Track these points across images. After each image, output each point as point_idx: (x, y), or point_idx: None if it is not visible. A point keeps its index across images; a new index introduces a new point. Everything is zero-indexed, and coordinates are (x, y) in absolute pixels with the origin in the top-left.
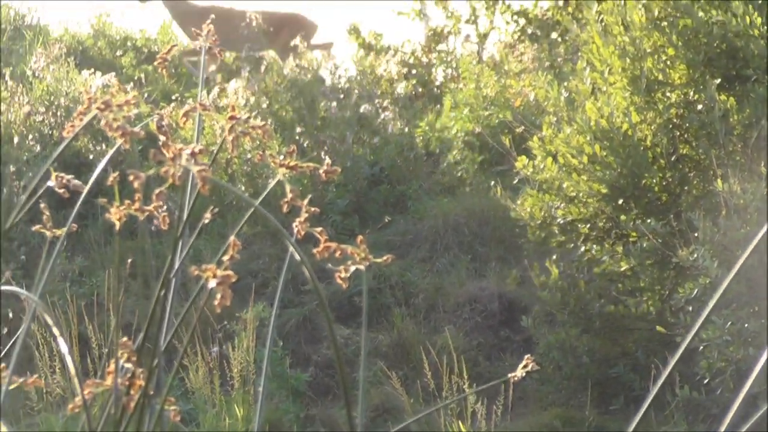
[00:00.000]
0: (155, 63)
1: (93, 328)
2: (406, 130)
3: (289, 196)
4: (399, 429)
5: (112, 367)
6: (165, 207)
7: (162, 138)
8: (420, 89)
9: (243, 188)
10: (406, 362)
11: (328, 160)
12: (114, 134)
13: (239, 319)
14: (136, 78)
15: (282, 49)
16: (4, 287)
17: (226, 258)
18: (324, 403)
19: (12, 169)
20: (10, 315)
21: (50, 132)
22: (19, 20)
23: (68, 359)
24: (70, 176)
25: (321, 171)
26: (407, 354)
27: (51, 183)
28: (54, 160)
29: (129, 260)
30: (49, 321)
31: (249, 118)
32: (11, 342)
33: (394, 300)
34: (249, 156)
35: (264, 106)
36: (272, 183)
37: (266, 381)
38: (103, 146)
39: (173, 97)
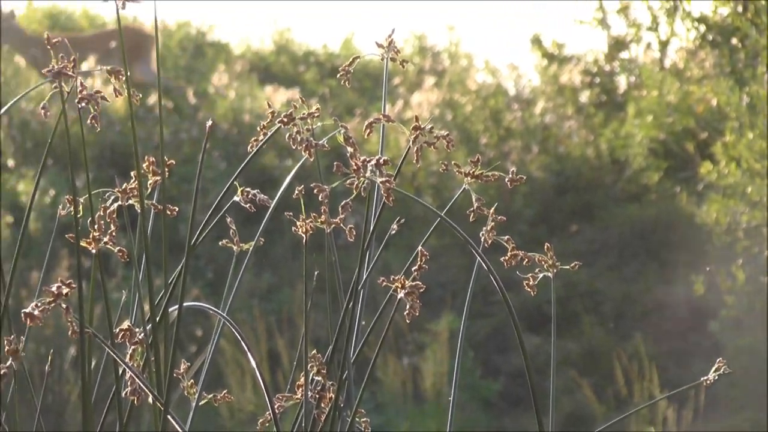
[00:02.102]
0: (338, 76)
1: (282, 343)
2: (591, 138)
3: (475, 204)
4: None
5: (302, 380)
6: (351, 220)
7: (350, 150)
8: (603, 97)
9: (429, 200)
10: (597, 370)
11: (513, 169)
12: (298, 147)
13: (429, 331)
14: (319, 93)
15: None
16: (193, 304)
17: (414, 269)
18: (515, 412)
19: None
20: (200, 332)
21: (234, 149)
22: (200, 38)
23: (257, 374)
24: (255, 191)
25: (507, 180)
26: (597, 361)
27: (237, 198)
28: (237, 175)
29: (315, 273)
30: (239, 337)
31: (432, 128)
32: (201, 360)
33: (582, 308)
34: (434, 168)
35: (449, 118)
36: (458, 193)
37: (457, 392)
38: (289, 161)
39: (357, 111)
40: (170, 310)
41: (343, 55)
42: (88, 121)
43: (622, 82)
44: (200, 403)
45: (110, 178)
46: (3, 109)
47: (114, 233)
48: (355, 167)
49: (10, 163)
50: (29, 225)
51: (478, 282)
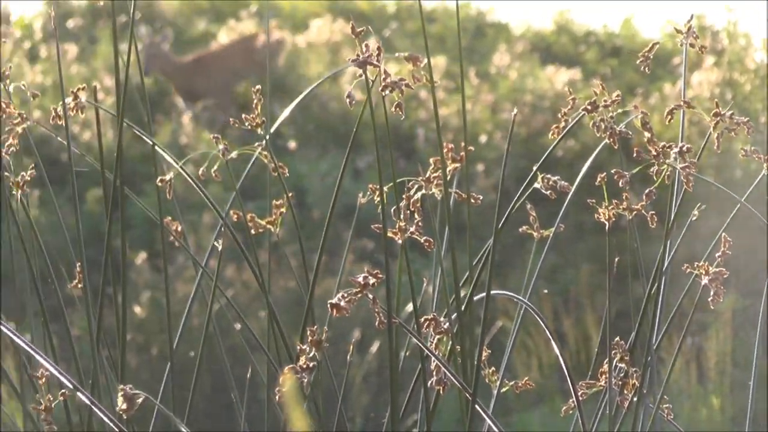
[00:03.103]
0: (637, 62)
1: (569, 323)
2: None
3: None
4: None
5: (605, 367)
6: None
7: (647, 135)
8: None
9: (710, 179)
10: None
11: None
12: (602, 135)
13: (712, 311)
14: (600, 72)
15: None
16: (499, 293)
17: (718, 254)
18: None
19: (481, 168)
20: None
21: (516, 129)
22: (481, 18)
23: (561, 361)
24: (556, 177)
25: None
26: None
27: (538, 185)
28: (538, 165)
29: (614, 258)
30: (543, 324)
31: (732, 114)
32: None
33: None
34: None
35: (728, 97)
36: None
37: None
38: (571, 141)
39: (638, 91)
40: (475, 298)
41: (623, 35)
42: (393, 108)
43: None
44: (502, 390)
45: (391, 160)
46: (301, 96)
47: (420, 222)
48: (654, 153)
49: (292, 144)
50: (312, 207)
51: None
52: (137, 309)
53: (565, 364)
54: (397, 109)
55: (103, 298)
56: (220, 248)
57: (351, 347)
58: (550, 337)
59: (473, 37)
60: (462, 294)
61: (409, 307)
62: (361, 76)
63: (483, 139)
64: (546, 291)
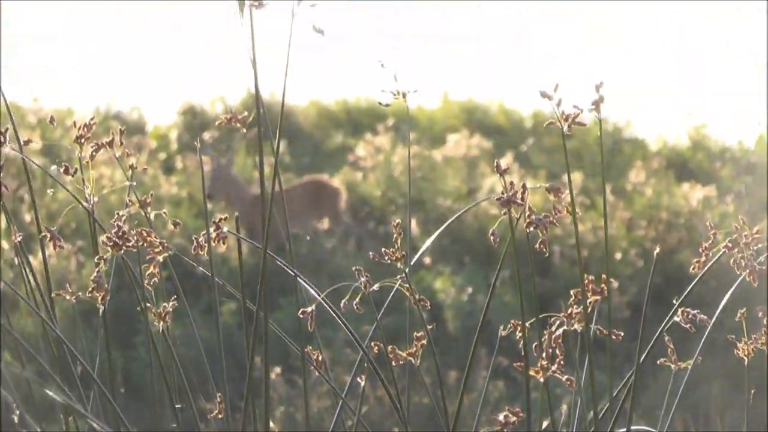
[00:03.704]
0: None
1: None
2: None
3: None
4: None
5: None
6: None
7: None
8: None
9: None
10: None
11: None
12: (742, 272)
13: None
14: (735, 190)
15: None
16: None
17: None
18: None
19: (616, 285)
20: None
21: (651, 246)
22: (617, 134)
23: None
24: (695, 311)
25: None
26: None
27: (677, 318)
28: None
29: (751, 388)
30: None
31: None
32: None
33: None
34: None
35: None
36: None
37: None
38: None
39: None
40: None
41: (758, 152)
42: (537, 246)
43: None
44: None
45: (525, 277)
46: (442, 227)
47: (562, 361)
48: None
49: (426, 260)
50: (446, 323)
51: None
52: (271, 424)
53: None
54: (542, 246)
55: (244, 415)
56: (362, 384)
57: None
58: None
59: (609, 152)
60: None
61: None
62: (505, 213)
63: (618, 255)
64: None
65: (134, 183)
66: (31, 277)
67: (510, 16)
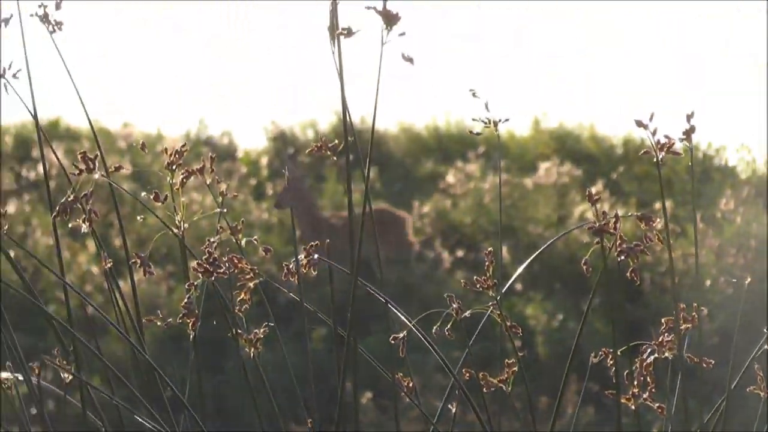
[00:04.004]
0: None
1: None
2: None
3: None
4: None
5: None
6: None
7: None
8: None
9: None
10: None
11: None
12: None
13: None
14: None
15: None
16: None
17: None
18: None
19: (705, 312)
20: None
21: (741, 273)
22: (707, 162)
23: None
24: None
25: None
26: None
27: (767, 346)
28: None
29: None
30: None
31: None
32: None
33: None
34: None
35: None
36: None
37: None
38: None
39: None
40: None
41: None
42: (628, 274)
43: None
44: None
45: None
46: (532, 257)
47: (653, 389)
48: None
49: (518, 286)
50: (537, 348)
51: None
52: None
53: None
54: (633, 275)
55: None
56: (453, 410)
57: None
58: None
59: (699, 180)
60: None
61: None
62: (597, 242)
63: (708, 282)
64: None
65: (224, 209)
66: (120, 303)
67: (510, 16)
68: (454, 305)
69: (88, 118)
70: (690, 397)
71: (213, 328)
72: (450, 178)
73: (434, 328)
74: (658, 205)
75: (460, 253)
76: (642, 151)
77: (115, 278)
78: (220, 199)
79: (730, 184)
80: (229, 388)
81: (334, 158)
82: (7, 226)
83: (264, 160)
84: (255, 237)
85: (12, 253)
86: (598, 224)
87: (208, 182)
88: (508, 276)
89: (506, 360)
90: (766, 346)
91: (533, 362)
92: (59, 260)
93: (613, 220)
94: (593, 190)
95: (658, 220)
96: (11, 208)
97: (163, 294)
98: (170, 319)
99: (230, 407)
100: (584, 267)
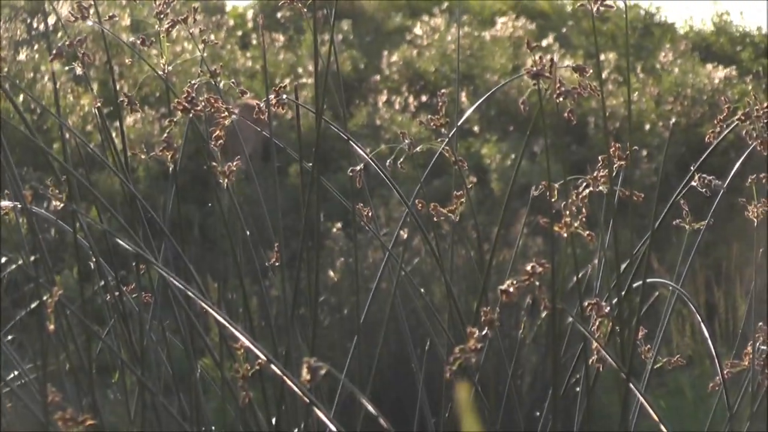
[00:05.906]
0: None
1: (719, 295)
2: None
3: None
4: None
5: (748, 349)
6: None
7: None
8: None
9: None
10: None
11: None
12: (753, 142)
13: None
14: (753, 70)
15: None
16: (656, 280)
17: None
18: None
19: (644, 153)
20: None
21: (678, 120)
22: (648, 19)
23: (703, 328)
24: (711, 177)
25: None
26: None
27: (694, 183)
28: (698, 164)
29: (759, 246)
30: (691, 305)
31: None
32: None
33: None
34: None
35: None
36: None
37: None
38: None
39: None
40: (634, 285)
41: None
42: (565, 114)
43: None
44: (655, 367)
45: (565, 145)
46: (484, 96)
47: (585, 218)
48: None
49: (475, 128)
50: (492, 185)
51: None
52: (331, 273)
53: (713, 338)
54: (569, 115)
55: (300, 262)
56: (405, 236)
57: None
58: (699, 316)
59: (641, 35)
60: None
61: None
62: (535, 85)
63: (647, 127)
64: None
65: (206, 55)
66: (116, 140)
67: None
68: (406, 141)
69: None
70: (625, 228)
71: (202, 166)
72: (417, 30)
73: (387, 161)
74: (605, 57)
75: (424, 98)
76: (579, 4)
77: (105, 118)
78: (201, 45)
79: (669, 38)
80: (213, 218)
81: (305, 11)
82: (14, 72)
83: (249, 14)
84: (233, 80)
85: (21, 97)
86: (535, 69)
87: (191, 31)
88: (467, 119)
89: (455, 192)
90: (693, 183)
91: (488, 197)
92: (56, 102)
93: (549, 65)
94: (544, 42)
95: (591, 71)
96: (22, 56)
97: (156, 133)
98: (153, 153)
99: (214, 236)
100: (522, 106)
